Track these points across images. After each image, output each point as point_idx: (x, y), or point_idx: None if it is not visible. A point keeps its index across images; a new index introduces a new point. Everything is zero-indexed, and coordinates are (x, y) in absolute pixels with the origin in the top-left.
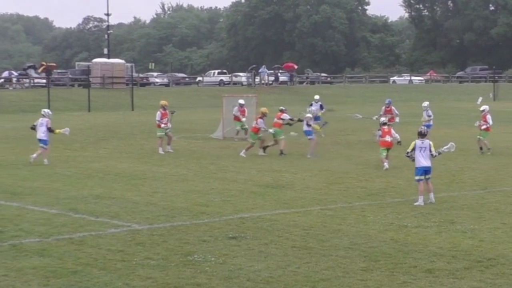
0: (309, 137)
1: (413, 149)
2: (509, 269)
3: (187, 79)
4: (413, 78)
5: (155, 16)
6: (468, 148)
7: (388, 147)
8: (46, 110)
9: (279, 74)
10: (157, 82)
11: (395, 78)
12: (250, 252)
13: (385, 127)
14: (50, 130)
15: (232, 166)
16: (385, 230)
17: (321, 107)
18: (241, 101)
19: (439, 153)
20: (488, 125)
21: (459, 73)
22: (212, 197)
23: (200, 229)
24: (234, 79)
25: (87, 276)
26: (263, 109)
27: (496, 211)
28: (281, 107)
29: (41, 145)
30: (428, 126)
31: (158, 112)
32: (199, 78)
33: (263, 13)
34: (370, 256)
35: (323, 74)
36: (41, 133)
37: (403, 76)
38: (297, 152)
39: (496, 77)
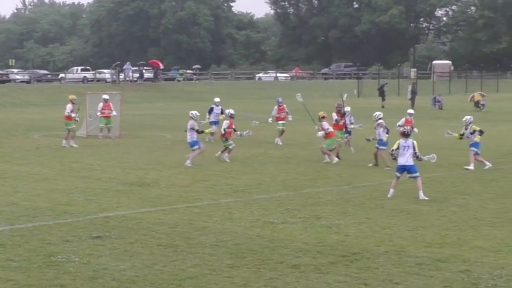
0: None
1: (397, 148)
2: (373, 263)
3: (49, 76)
4: (278, 75)
5: (15, 11)
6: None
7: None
8: (194, 112)
9: (143, 70)
10: (17, 79)
11: (261, 75)
12: (115, 251)
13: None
14: (197, 131)
15: (96, 165)
16: (251, 227)
17: (222, 111)
18: (105, 96)
19: (420, 159)
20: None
21: (324, 70)
22: (76, 196)
23: (64, 229)
24: (98, 76)
25: None
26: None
27: (361, 206)
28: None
29: (192, 148)
30: (349, 133)
31: (69, 105)
32: (61, 75)
33: (127, 9)
34: (236, 253)
35: (188, 71)
36: (188, 136)
37: (269, 73)
38: (163, 149)
39: (360, 74)
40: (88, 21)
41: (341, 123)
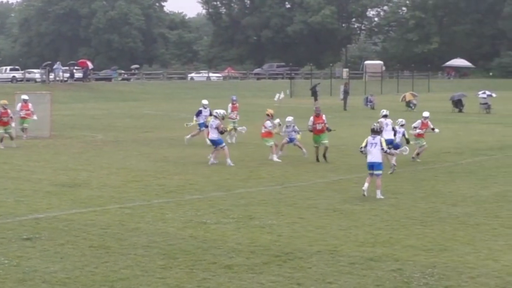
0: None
1: (366, 145)
2: (306, 263)
3: None
4: (211, 75)
5: None
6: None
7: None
8: (219, 111)
9: (74, 70)
10: None
11: (193, 75)
12: (46, 253)
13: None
14: (221, 132)
15: (26, 165)
16: (184, 227)
17: (211, 113)
18: (24, 97)
19: (392, 154)
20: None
21: (257, 70)
22: (5, 197)
23: None
24: (28, 75)
25: None
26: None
27: (294, 206)
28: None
29: (214, 146)
30: (292, 140)
31: None
32: None
33: (57, 8)
34: (169, 254)
35: (121, 71)
36: (212, 134)
37: (201, 73)
38: (94, 150)
39: (293, 74)
40: (16, 20)
41: (319, 127)
